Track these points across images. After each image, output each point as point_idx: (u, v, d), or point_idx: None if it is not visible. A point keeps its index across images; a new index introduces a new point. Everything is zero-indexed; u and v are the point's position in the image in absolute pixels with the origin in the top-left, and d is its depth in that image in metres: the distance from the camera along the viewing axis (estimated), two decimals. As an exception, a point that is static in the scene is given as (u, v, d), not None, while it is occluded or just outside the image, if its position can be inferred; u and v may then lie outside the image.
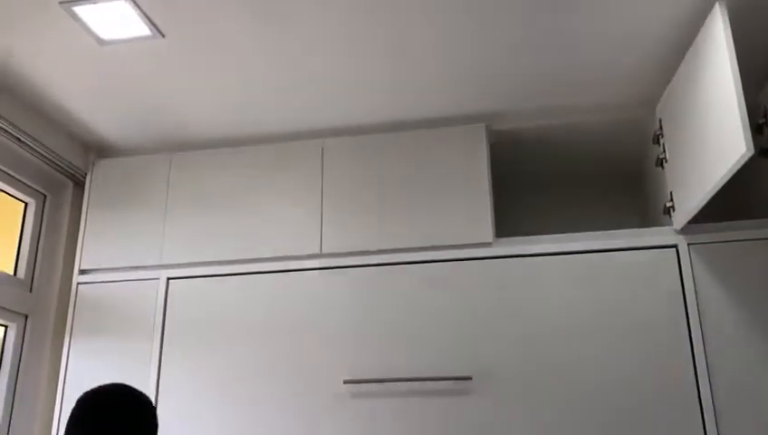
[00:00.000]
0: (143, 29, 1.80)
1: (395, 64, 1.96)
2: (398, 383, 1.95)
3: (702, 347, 1.84)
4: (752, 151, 1.50)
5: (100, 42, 1.85)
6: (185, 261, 2.20)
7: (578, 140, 2.32)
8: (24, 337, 2.22)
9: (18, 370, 2.18)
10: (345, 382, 1.97)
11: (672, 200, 1.98)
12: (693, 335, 1.86)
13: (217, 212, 2.23)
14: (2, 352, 2.17)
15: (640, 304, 1.91)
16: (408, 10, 1.74)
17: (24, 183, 2.27)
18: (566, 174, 2.51)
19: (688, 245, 1.94)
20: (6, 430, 2.11)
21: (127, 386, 1.36)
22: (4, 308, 2.13)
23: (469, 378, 1.91)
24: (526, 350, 1.93)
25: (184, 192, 2.28)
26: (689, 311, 1.88)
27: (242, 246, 2.18)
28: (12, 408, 2.14)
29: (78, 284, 2.26)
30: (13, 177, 2.22)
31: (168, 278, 2.20)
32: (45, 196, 2.37)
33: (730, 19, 1.73)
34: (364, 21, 1.78)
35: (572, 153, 2.39)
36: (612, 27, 1.81)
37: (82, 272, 2.27)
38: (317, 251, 2.12)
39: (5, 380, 2.14)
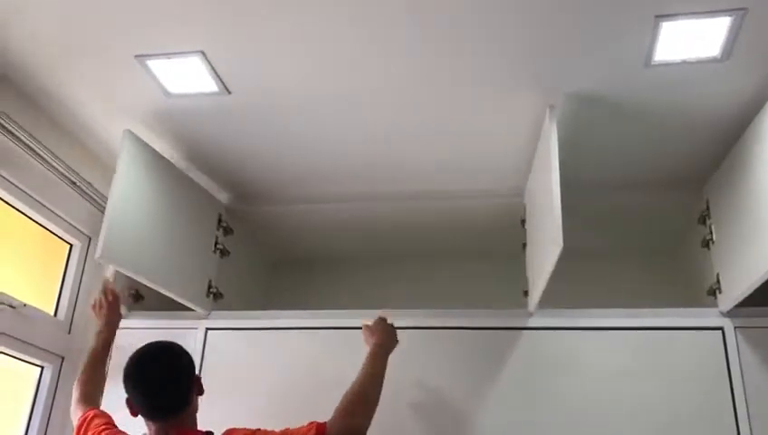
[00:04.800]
0: (211, 85, 1.86)
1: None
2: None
3: (749, 436, 1.80)
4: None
5: (167, 94, 1.91)
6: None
7: (621, 214, 2.35)
8: (58, 379, 2.21)
9: (51, 412, 2.16)
10: (380, 447, 1.94)
11: (719, 282, 1.98)
12: (740, 426, 1.81)
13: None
14: (36, 392, 2.16)
15: (684, 388, 1.88)
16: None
17: (72, 224, 2.30)
18: (605, 247, 2.52)
19: (735, 328, 1.92)
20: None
21: (163, 342, 1.66)
22: (41, 348, 2.14)
23: (508, 451, 1.88)
24: (575, 427, 1.89)
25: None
26: (736, 398, 1.84)
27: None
28: (42, 446, 2.12)
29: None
30: (61, 217, 2.25)
31: (207, 329, 2.20)
32: (90, 238, 2.40)
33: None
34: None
35: (614, 227, 2.42)
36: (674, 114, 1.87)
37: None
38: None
39: (38, 421, 2.12)
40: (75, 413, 1.75)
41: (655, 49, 1.63)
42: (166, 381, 1.56)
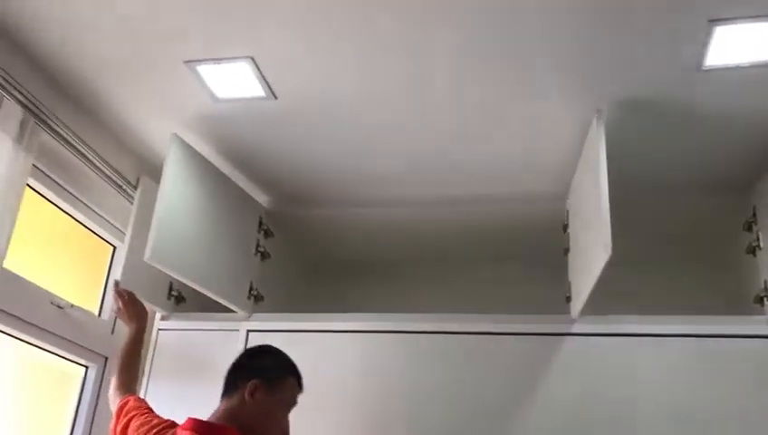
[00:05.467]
0: (258, 90, 1.88)
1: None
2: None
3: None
4: None
5: (215, 99, 1.94)
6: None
7: (664, 220, 2.33)
8: (102, 378, 2.24)
9: (95, 410, 2.20)
10: (424, 451, 1.95)
11: (767, 290, 1.95)
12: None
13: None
14: (81, 391, 2.20)
15: (731, 396, 1.85)
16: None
17: (116, 227, 2.33)
18: (648, 252, 2.50)
19: (785, 336, 1.89)
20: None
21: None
22: (87, 348, 2.17)
23: (553, 457, 1.87)
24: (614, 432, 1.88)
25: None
26: (785, 406, 1.82)
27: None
28: (87, 446, 2.15)
29: (159, 329, 2.29)
30: (108, 221, 2.29)
31: (249, 331, 2.22)
32: (133, 240, 2.43)
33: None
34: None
35: (657, 232, 2.39)
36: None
37: (164, 318, 2.31)
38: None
39: (83, 419, 2.16)
40: (114, 401, 1.79)
41: (707, 53, 1.61)
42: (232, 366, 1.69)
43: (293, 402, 1.65)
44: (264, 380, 1.59)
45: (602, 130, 1.76)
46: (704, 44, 1.59)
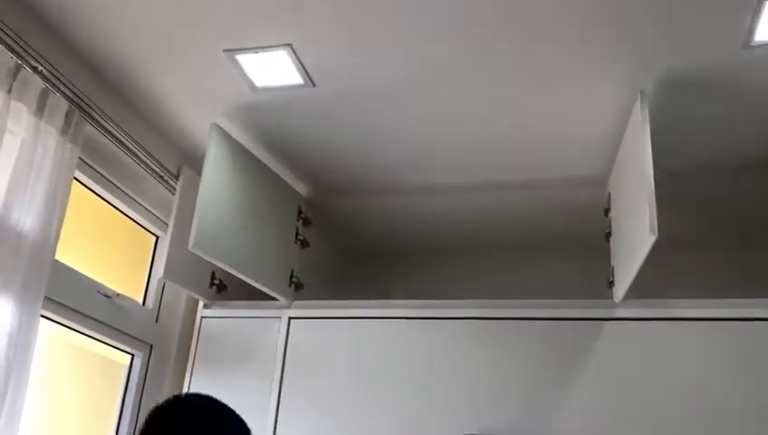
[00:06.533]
0: (296, 78, 1.89)
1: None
2: (521, 442, 1.91)
3: None
4: None
5: (254, 88, 1.95)
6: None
7: (707, 201, 2.28)
8: (148, 365, 2.29)
9: (142, 396, 2.25)
10: (465, 436, 1.95)
11: (819, 272, 1.90)
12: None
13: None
14: (128, 377, 2.24)
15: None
16: (557, 69, 1.78)
17: (160, 218, 2.37)
18: (691, 235, 2.46)
19: (835, 319, 1.85)
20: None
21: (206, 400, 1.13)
22: (132, 336, 2.22)
23: (597, 443, 1.86)
24: (658, 416, 1.85)
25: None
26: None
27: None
28: (135, 427, 2.19)
29: (202, 317, 2.33)
30: (150, 212, 2.33)
31: (290, 318, 2.24)
32: (176, 230, 2.46)
33: None
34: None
35: (700, 214, 2.35)
36: None
37: (206, 306, 2.35)
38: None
39: (130, 404, 2.21)
40: None
41: (756, 29, 1.57)
42: None
43: None
44: None
45: (646, 111, 1.73)
46: (752, 20, 1.55)
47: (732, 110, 1.87)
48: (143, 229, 2.36)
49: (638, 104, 1.77)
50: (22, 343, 1.59)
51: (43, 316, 1.73)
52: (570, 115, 1.97)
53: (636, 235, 1.76)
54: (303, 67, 1.84)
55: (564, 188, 2.30)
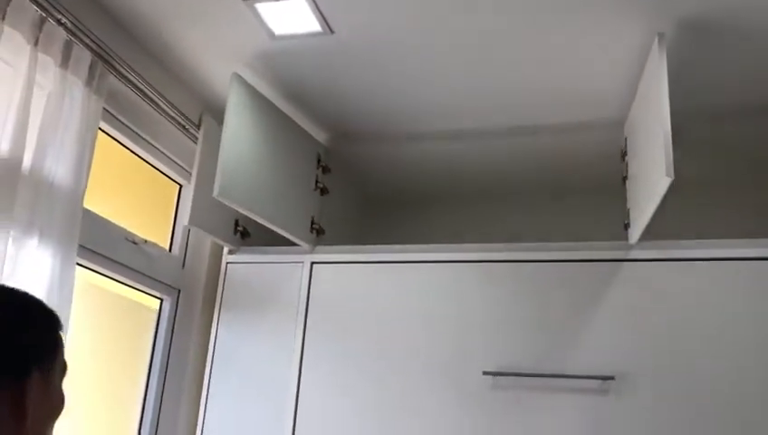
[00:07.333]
0: (314, 25, 1.90)
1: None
2: (537, 378, 1.99)
3: None
4: None
5: (273, 37, 1.97)
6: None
7: (723, 144, 2.29)
8: (176, 309, 2.38)
9: (172, 337, 2.34)
10: (484, 374, 2.02)
11: (833, 212, 1.92)
12: None
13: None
14: (158, 321, 2.34)
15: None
16: (575, 12, 1.77)
17: (181, 166, 2.42)
18: (706, 177, 2.47)
19: None
20: (162, 385, 2.27)
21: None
22: (160, 281, 2.30)
23: (612, 378, 1.92)
24: (676, 355, 1.91)
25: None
26: None
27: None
28: (166, 368, 2.30)
29: (227, 263, 2.40)
30: (173, 160, 2.38)
31: (312, 263, 2.31)
32: (197, 178, 2.52)
33: None
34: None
35: (716, 156, 2.36)
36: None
37: (231, 252, 2.42)
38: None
39: (161, 345, 2.31)
40: None
41: (777, -32, 1.56)
42: None
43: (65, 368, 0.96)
44: (40, 369, 0.88)
45: (664, 54, 1.73)
46: (774, -41, 1.54)
47: (748, 49, 1.86)
48: (166, 178, 2.42)
49: (655, 47, 1.77)
50: (62, 291, 1.66)
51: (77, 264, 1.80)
52: (587, 59, 1.97)
53: (651, 177, 1.79)
54: (321, 14, 1.85)
55: (581, 132, 2.31)
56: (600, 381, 1.93)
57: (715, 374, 1.86)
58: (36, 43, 1.64)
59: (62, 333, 0.96)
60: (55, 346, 0.94)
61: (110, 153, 2.14)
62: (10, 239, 1.53)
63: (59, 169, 1.71)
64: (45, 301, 0.94)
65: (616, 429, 1.89)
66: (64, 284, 1.67)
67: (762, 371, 1.83)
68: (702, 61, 1.93)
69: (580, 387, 1.95)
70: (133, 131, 2.18)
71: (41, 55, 1.66)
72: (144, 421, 2.23)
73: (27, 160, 1.61)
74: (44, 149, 1.66)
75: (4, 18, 1.55)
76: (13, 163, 1.55)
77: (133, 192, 2.34)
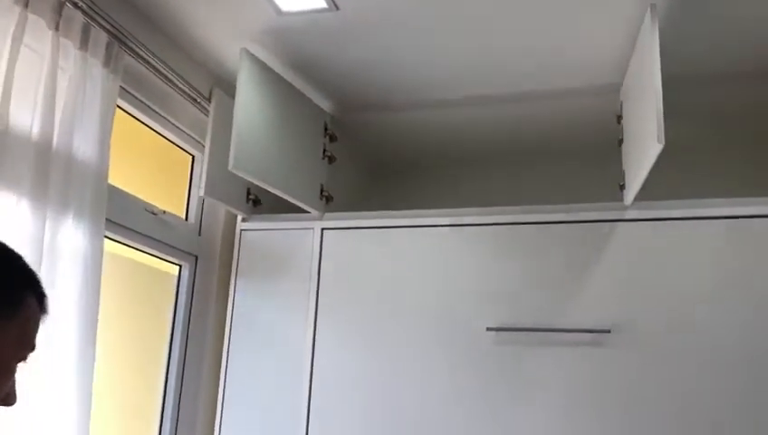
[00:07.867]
0: (320, 2, 1.97)
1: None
2: (538, 333, 2.11)
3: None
4: None
5: (279, 12, 2.04)
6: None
7: (719, 108, 2.37)
8: (195, 275, 2.50)
9: (192, 302, 2.48)
10: (488, 329, 2.15)
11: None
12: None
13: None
14: (178, 286, 2.47)
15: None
16: None
17: (194, 138, 2.51)
18: (702, 139, 2.56)
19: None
20: (185, 343, 2.41)
21: None
22: (179, 249, 2.42)
23: (608, 331, 2.05)
24: (669, 309, 2.01)
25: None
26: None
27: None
28: (187, 333, 2.44)
29: (241, 230, 2.52)
30: (186, 132, 2.47)
31: (323, 229, 2.42)
32: (209, 149, 2.61)
33: None
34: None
35: (713, 120, 2.44)
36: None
37: (244, 220, 2.53)
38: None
39: (182, 311, 2.44)
40: None
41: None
42: None
43: (34, 336, 0.94)
44: None
45: (656, 26, 1.80)
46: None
47: (743, 11, 1.92)
48: (179, 150, 2.52)
49: (647, 18, 1.84)
50: (93, 264, 1.78)
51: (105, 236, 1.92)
52: (585, 28, 2.04)
53: (644, 142, 1.88)
54: (327, -9, 1.92)
55: (580, 97, 2.39)
56: (596, 335, 2.06)
57: (710, 328, 1.96)
58: (57, 28, 1.73)
59: (41, 314, 0.93)
60: (12, 303, 0.89)
61: (125, 128, 2.24)
62: (47, 221, 1.64)
63: (85, 149, 1.81)
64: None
65: (612, 378, 2.02)
66: (95, 258, 1.79)
67: (759, 325, 1.92)
68: (693, 23, 1.98)
69: (578, 340, 2.08)
70: (148, 106, 2.27)
71: (62, 39, 1.74)
72: (169, 380, 2.38)
73: (56, 143, 1.70)
74: (71, 130, 1.76)
75: (27, 6, 1.63)
76: (44, 146, 1.65)
77: (148, 165, 2.44)
